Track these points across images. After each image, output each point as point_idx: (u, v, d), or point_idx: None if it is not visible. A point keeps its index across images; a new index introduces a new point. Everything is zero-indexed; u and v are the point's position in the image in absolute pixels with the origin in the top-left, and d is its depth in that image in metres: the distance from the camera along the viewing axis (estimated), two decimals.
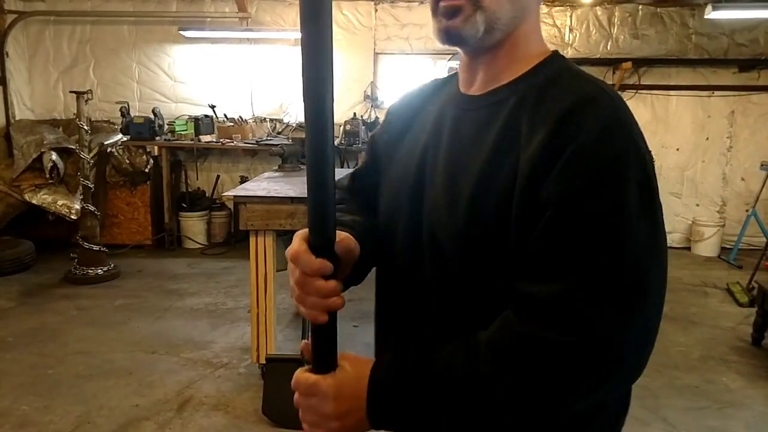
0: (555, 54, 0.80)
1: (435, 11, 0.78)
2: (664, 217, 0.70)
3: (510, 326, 0.67)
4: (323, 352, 0.72)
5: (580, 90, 0.71)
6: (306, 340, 0.75)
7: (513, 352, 0.66)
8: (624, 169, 0.66)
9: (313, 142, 0.65)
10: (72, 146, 5.11)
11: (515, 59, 0.79)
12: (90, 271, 4.64)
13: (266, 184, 3.28)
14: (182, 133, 5.66)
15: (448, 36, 0.77)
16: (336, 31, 5.75)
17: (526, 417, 0.68)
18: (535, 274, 0.67)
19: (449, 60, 5.71)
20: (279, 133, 5.92)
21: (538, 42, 0.82)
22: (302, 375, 0.73)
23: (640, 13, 5.78)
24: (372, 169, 0.97)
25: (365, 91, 5.93)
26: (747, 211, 5.64)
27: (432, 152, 0.83)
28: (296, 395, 0.74)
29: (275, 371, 2.67)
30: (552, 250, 0.66)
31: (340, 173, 1.00)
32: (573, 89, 0.72)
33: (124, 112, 5.60)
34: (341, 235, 0.74)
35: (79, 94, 4.60)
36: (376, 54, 5.90)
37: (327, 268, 0.68)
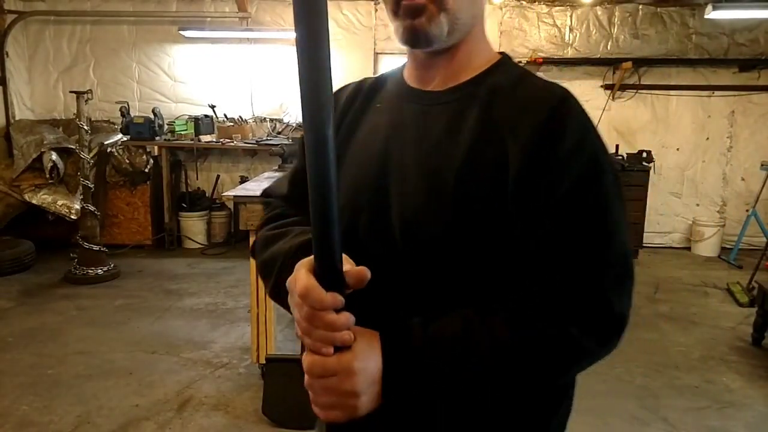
0: (506, 55, 0.86)
1: (396, 11, 0.78)
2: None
3: (533, 311, 0.71)
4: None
5: (552, 90, 0.77)
6: None
7: (540, 333, 0.70)
8: (603, 163, 0.75)
9: (315, 179, 0.62)
10: (72, 146, 5.11)
11: (472, 58, 0.84)
12: (90, 271, 4.64)
13: (266, 184, 3.27)
14: (182, 133, 5.66)
15: (415, 35, 0.78)
16: (336, 31, 5.78)
17: (537, 384, 0.74)
18: (549, 262, 0.71)
19: None
20: (279, 133, 5.92)
21: (487, 42, 0.87)
22: (314, 357, 0.68)
23: (641, 12, 5.78)
24: (305, 170, 0.92)
25: None
26: (747, 211, 5.64)
27: (396, 148, 0.82)
28: (308, 380, 0.69)
29: (275, 371, 2.67)
30: (562, 239, 0.71)
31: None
32: (545, 88, 0.78)
33: (124, 112, 5.60)
34: (348, 261, 0.69)
35: (79, 94, 4.60)
36: (376, 54, 5.90)
37: (339, 303, 0.65)
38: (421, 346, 0.71)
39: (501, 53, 0.86)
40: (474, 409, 0.75)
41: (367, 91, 0.93)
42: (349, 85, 0.97)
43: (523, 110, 0.75)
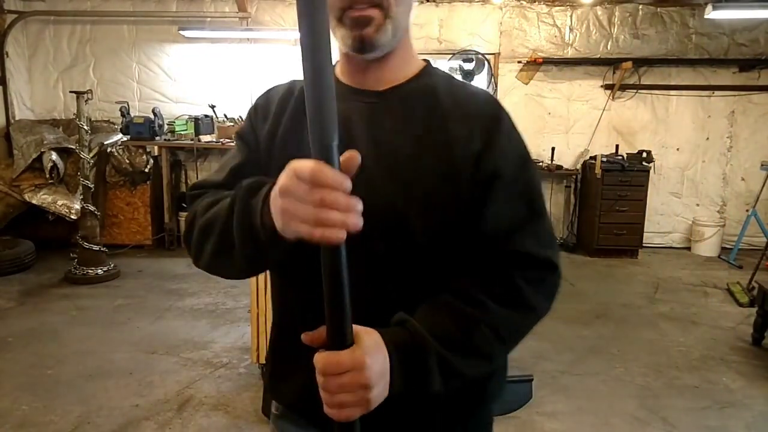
0: (428, 61, 0.97)
1: (341, 20, 0.83)
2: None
3: (500, 274, 0.85)
4: (343, 327, 0.70)
5: (481, 91, 0.94)
6: (312, 332, 0.73)
7: (514, 292, 0.85)
8: (527, 150, 0.92)
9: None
10: (72, 146, 5.11)
11: (405, 60, 0.93)
12: (90, 271, 4.64)
13: None
14: (182, 133, 5.66)
15: (363, 44, 0.84)
16: None
17: (519, 338, 0.88)
18: (502, 230, 0.85)
19: (449, 60, 5.72)
20: None
21: (414, 49, 0.96)
22: (327, 356, 0.70)
23: (641, 12, 5.78)
24: (252, 166, 0.93)
25: None
26: (747, 211, 5.64)
27: (345, 141, 0.85)
28: (323, 381, 0.71)
29: None
30: (510, 211, 0.86)
31: None
32: (476, 91, 0.94)
33: (124, 112, 5.60)
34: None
35: (79, 94, 4.60)
36: None
37: (349, 184, 0.65)
38: (421, 334, 0.79)
39: (425, 60, 0.96)
40: (463, 383, 0.85)
41: (300, 91, 0.94)
42: (279, 85, 0.99)
43: (461, 108, 0.89)
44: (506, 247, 0.85)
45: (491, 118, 0.89)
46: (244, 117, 4.92)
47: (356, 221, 0.65)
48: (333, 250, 0.67)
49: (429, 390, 0.79)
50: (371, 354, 0.72)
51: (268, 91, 1.00)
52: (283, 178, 0.68)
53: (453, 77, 0.96)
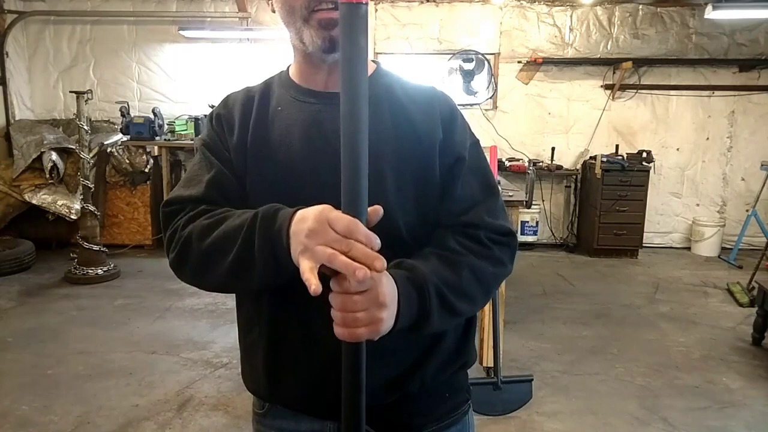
0: (378, 62, 1.02)
1: (307, 20, 0.87)
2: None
3: (469, 234, 0.93)
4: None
5: (431, 87, 1.00)
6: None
7: (484, 247, 0.93)
8: (473, 134, 1.01)
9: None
10: (72, 146, 5.11)
11: None
12: (90, 271, 4.64)
13: None
14: (182, 133, 5.66)
15: (332, 44, 0.87)
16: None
17: (493, 287, 0.97)
18: (466, 205, 0.94)
19: (449, 59, 5.72)
20: None
21: None
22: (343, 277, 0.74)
23: (641, 12, 5.78)
24: (228, 178, 0.93)
25: None
26: (747, 211, 5.64)
27: (318, 141, 0.92)
28: (339, 298, 0.73)
29: None
30: (470, 189, 0.95)
31: None
32: (425, 86, 1.00)
33: (124, 112, 5.60)
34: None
35: (79, 94, 4.60)
36: (376, 54, 5.90)
37: (378, 243, 0.71)
38: (420, 269, 0.84)
39: (374, 61, 1.00)
40: (451, 324, 0.93)
41: (260, 98, 0.98)
42: (235, 93, 1.01)
43: (419, 103, 0.95)
44: (472, 219, 0.93)
45: (448, 110, 0.97)
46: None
47: (380, 266, 0.71)
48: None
49: (427, 324, 0.84)
50: (384, 275, 0.75)
51: (226, 100, 1.01)
52: (310, 222, 0.73)
53: (401, 76, 1.02)
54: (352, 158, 0.70)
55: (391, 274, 0.79)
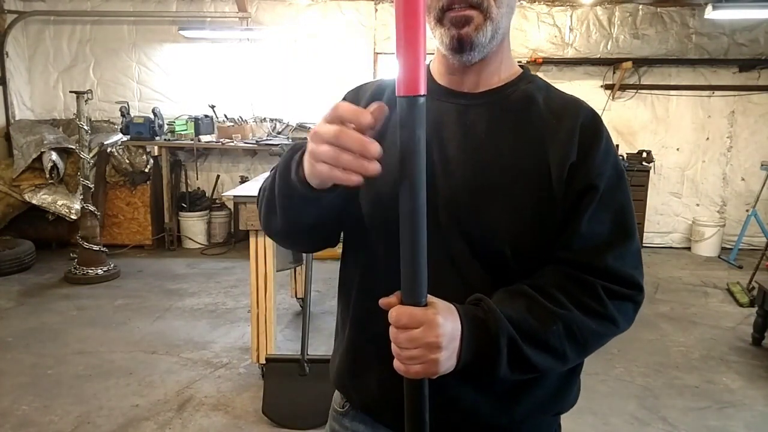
0: (526, 67, 0.96)
1: (440, 20, 0.83)
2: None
3: (583, 282, 0.83)
4: (418, 285, 0.72)
5: (580, 102, 0.91)
6: (389, 296, 0.76)
7: (596, 301, 0.83)
8: (621, 167, 0.90)
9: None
10: (72, 146, 5.11)
11: (502, 66, 0.92)
12: (90, 271, 4.64)
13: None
14: (182, 133, 5.66)
15: (461, 43, 0.83)
16: (336, 30, 5.79)
17: (593, 345, 0.86)
18: (591, 245, 0.84)
19: None
20: (279, 133, 5.92)
21: (511, 53, 0.95)
22: (402, 308, 0.72)
23: (641, 12, 5.78)
24: None
25: None
26: (747, 211, 5.64)
27: (436, 142, 0.87)
28: (394, 332, 0.73)
29: (275, 371, 2.67)
30: (600, 226, 0.84)
31: None
32: (573, 100, 0.91)
33: (124, 112, 5.60)
34: None
35: (79, 94, 4.60)
36: (376, 54, 5.90)
37: (376, 121, 0.67)
38: (496, 313, 0.78)
39: (521, 66, 0.95)
40: (528, 374, 0.84)
41: (390, 90, 0.94)
42: (367, 83, 1.00)
43: (558, 117, 0.87)
44: (593, 261, 0.84)
45: (591, 130, 0.86)
46: (244, 117, 4.87)
47: (374, 169, 0.67)
48: (412, 203, 0.69)
49: (495, 372, 0.79)
50: (444, 315, 0.73)
51: (358, 88, 1.00)
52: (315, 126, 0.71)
53: (551, 85, 0.94)
54: (412, 253, 0.70)
55: (460, 315, 0.76)
